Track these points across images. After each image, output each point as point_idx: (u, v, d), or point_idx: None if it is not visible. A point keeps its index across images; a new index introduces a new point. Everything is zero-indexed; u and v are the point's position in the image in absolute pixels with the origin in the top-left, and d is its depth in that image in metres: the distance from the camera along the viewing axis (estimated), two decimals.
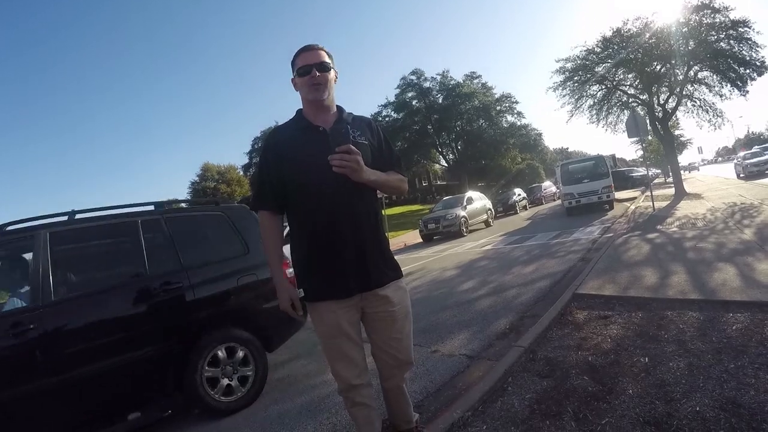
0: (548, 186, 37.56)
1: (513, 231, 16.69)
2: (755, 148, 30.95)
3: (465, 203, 20.29)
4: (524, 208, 30.61)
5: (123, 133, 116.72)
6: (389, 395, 2.47)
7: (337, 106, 2.28)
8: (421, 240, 20.49)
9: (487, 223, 21.48)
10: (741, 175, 24.94)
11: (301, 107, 2.27)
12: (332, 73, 2.20)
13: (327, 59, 2.17)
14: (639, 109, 20.23)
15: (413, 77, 52.32)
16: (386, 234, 2.25)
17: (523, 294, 6.28)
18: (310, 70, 2.12)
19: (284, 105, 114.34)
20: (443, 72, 52.41)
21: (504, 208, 29.12)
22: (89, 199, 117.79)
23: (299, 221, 2.18)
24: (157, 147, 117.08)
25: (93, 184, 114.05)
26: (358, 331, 2.23)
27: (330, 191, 2.06)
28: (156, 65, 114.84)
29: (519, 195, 31.02)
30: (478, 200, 21.64)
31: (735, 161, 30.21)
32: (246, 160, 62.88)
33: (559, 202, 30.83)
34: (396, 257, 2.37)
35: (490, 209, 22.35)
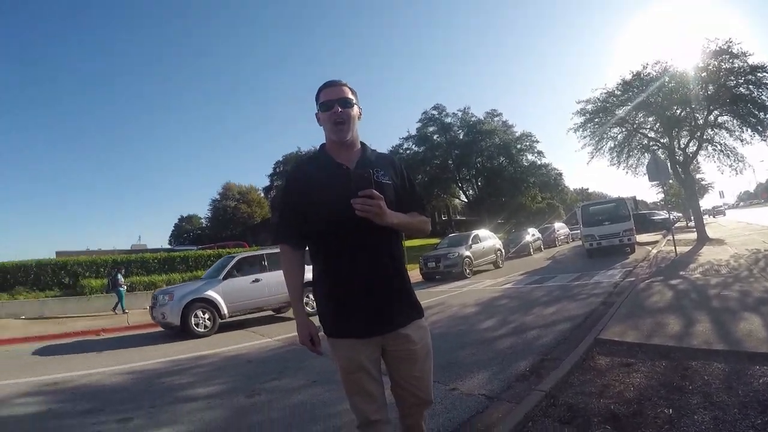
0: (561, 227, 36.15)
1: (533, 271, 16.60)
2: None
3: (471, 242, 18.96)
4: (539, 249, 28.56)
5: (146, 146, 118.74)
6: None
7: (361, 143, 2.27)
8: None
9: (495, 264, 20.07)
10: None
11: (325, 142, 2.27)
12: (355, 110, 2.20)
13: (350, 95, 2.18)
14: (660, 152, 20.24)
15: (435, 112, 53.08)
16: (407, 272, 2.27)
17: (543, 336, 6.25)
18: (332, 105, 2.13)
19: (307, 129, 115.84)
20: (464, 108, 53.14)
21: (516, 249, 27.03)
22: (125, 210, 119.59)
23: (321, 258, 2.16)
24: (179, 162, 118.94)
25: (119, 194, 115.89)
26: (378, 367, 2.19)
27: (352, 232, 2.04)
28: (180, 79, 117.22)
29: (533, 235, 29.18)
30: (486, 239, 20.38)
31: None
32: (267, 183, 63.83)
33: (572, 244, 30.37)
34: (415, 291, 2.35)
35: (499, 249, 20.89)
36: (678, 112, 19.66)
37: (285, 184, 2.32)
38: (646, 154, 21.42)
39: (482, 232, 21.15)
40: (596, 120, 21.76)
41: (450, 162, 52.36)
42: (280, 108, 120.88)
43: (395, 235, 2.21)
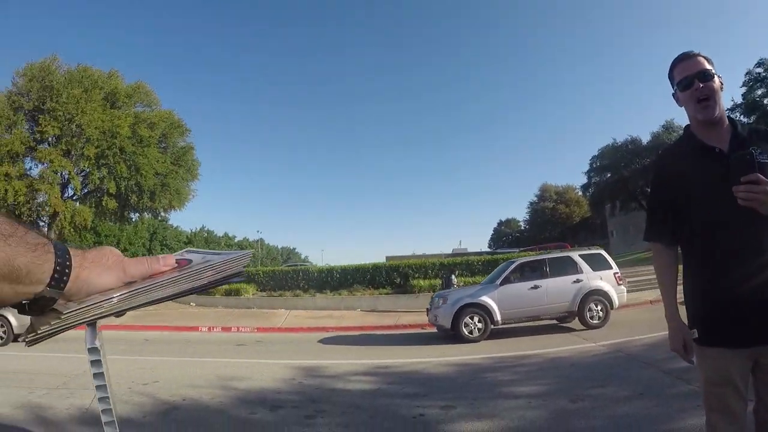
0: None
1: None
2: None
3: None
4: None
5: (465, 154, 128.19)
6: None
7: (729, 118, 2.01)
8: None
9: None
10: None
11: (689, 124, 2.09)
12: (717, 81, 1.94)
13: (708, 66, 1.95)
14: None
15: (760, 70, 41.99)
16: None
17: None
18: (692, 81, 1.92)
19: (624, 120, 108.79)
20: None
21: None
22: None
23: (695, 256, 2.00)
24: (496, 167, 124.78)
25: (442, 202, 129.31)
26: (746, 383, 1.91)
27: (732, 226, 1.83)
28: (496, 80, 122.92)
29: None
30: None
31: None
32: (584, 180, 62.30)
33: None
34: None
35: None
36: None
37: (653, 175, 2.20)
38: None
39: None
40: None
41: None
42: (593, 102, 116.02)
43: None
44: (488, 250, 55.08)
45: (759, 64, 42.75)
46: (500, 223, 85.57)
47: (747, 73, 43.45)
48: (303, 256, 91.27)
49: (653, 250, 2.15)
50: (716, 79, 1.94)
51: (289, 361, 8.41)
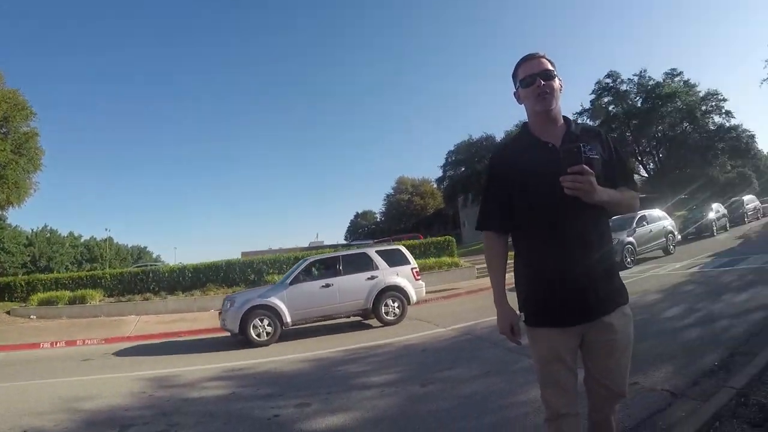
0: (751, 200, 31.21)
1: (722, 252, 15.13)
2: None
3: (635, 225, 16.61)
4: (723, 228, 24.40)
5: (322, 147, 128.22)
6: (596, 429, 2.31)
7: (564, 117, 2.17)
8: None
9: (666, 250, 17.65)
10: None
11: (526, 121, 2.22)
12: (557, 82, 2.10)
13: (550, 67, 2.09)
14: None
15: (608, 80, 49.09)
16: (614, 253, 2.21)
17: (734, 326, 5.86)
18: (534, 80, 2.05)
19: (479, 117, 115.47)
20: (640, 72, 48.28)
21: (696, 228, 23.31)
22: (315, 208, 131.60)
23: (526, 244, 2.13)
24: (354, 159, 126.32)
25: (298, 196, 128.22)
26: (575, 358, 2.11)
27: (560, 213, 1.98)
28: (357, 78, 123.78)
29: (717, 212, 24.75)
30: (656, 221, 17.96)
31: None
32: (440, 174, 65.31)
33: (763, 220, 26.52)
34: None
35: (671, 232, 18.29)
36: None
37: (488, 167, 2.29)
38: None
39: (652, 212, 18.63)
40: None
41: (628, 134, 48.50)
42: (450, 98, 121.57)
43: (604, 215, 2.12)
44: (344, 242, 55.94)
45: (608, 76, 49.26)
46: (357, 215, 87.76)
47: (597, 83, 49.82)
48: (155, 256, 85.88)
49: (485, 239, 2.27)
50: (557, 80, 2.09)
51: (139, 372, 7.89)
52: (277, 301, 10.04)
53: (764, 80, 20.11)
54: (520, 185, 2.06)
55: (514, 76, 2.17)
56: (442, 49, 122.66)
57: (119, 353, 10.55)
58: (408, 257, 11.71)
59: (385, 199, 74.44)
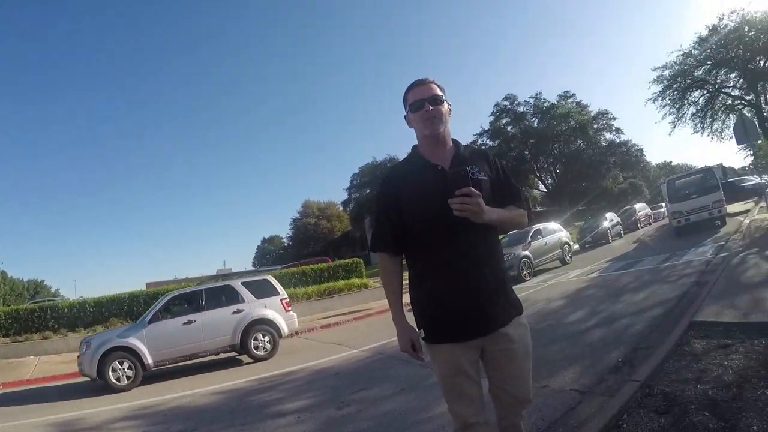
0: (642, 208, 33.04)
1: (619, 256, 16.04)
2: None
3: (530, 239, 17.25)
4: (618, 235, 25.77)
5: (226, 174, 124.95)
6: None
7: (453, 140, 2.23)
8: None
9: (562, 261, 18.43)
10: None
11: (416, 144, 2.24)
12: (446, 106, 2.16)
13: (439, 92, 2.15)
14: (746, 111, 19.01)
15: (506, 103, 52.31)
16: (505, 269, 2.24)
17: (635, 324, 6.09)
18: (423, 104, 2.09)
19: (383, 140, 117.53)
20: (536, 94, 52.09)
21: (593, 237, 24.50)
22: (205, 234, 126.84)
23: (419, 263, 2.15)
24: (258, 185, 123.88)
25: (203, 223, 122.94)
26: (478, 369, 2.15)
27: (450, 233, 2.01)
28: (266, 101, 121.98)
29: (611, 220, 26.36)
30: (552, 233, 18.75)
31: None
32: (345, 196, 65.25)
33: (655, 225, 28.69)
34: None
35: (567, 243, 19.16)
36: (762, 63, 18.46)
37: (379, 189, 2.32)
38: (731, 115, 20.34)
39: (548, 225, 19.57)
40: (675, 86, 20.84)
41: (526, 152, 51.42)
42: (354, 122, 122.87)
43: (493, 232, 2.17)
44: (252, 268, 54.63)
45: (506, 98, 52.13)
46: (264, 241, 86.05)
47: (495, 105, 52.56)
48: (53, 290, 78.08)
49: (379, 260, 2.27)
50: (446, 104, 2.16)
51: (41, 418, 7.07)
52: (136, 342, 9.22)
53: (648, 100, 21.63)
54: (410, 206, 2.09)
55: (405, 100, 2.21)
56: (345, 72, 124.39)
57: (18, 398, 9.51)
58: (277, 287, 11.11)
59: (291, 224, 73.16)
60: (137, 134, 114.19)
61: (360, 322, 14.13)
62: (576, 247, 19.46)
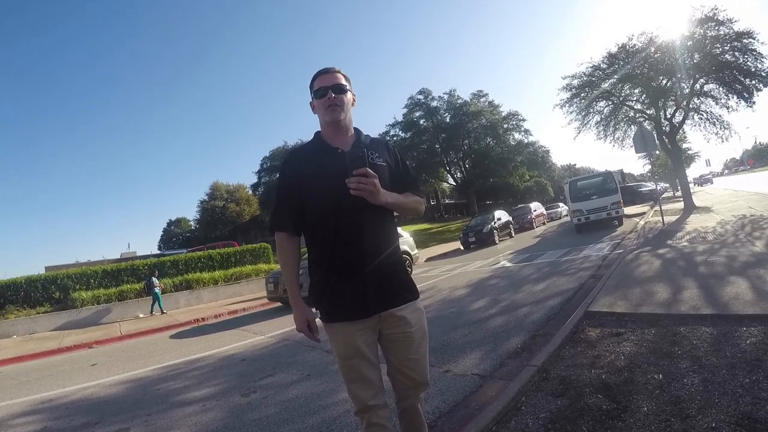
0: (537, 207, 33.38)
1: (522, 249, 16.69)
2: None
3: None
4: (508, 235, 25.28)
5: (130, 153, 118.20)
6: (404, 416, 2.41)
7: (354, 128, 2.32)
8: (428, 258, 22.23)
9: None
10: None
11: (320, 130, 2.30)
12: (349, 96, 2.24)
13: (343, 81, 2.22)
14: (646, 123, 20.33)
15: (420, 96, 52.84)
16: (412, 254, 2.22)
17: (534, 312, 6.27)
18: (326, 92, 2.16)
19: (295, 125, 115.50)
20: (450, 91, 52.92)
21: (477, 237, 23.36)
22: (106, 215, 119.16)
23: (317, 243, 2.18)
24: (165, 166, 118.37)
25: (106, 204, 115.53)
26: (375, 352, 2.20)
27: (348, 213, 2.06)
28: (167, 80, 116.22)
29: (498, 220, 24.87)
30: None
31: None
32: (255, 180, 63.47)
33: (549, 224, 30.35)
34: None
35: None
36: (664, 82, 19.77)
37: (280, 171, 2.33)
38: (632, 126, 21.60)
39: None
40: (582, 95, 21.87)
41: (437, 146, 52.22)
42: (266, 104, 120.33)
43: (390, 216, 2.23)
44: (158, 252, 52.18)
45: (421, 92, 52.60)
46: (170, 223, 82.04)
47: (410, 98, 52.89)
48: None
49: (277, 239, 2.28)
50: (349, 94, 2.25)
51: None
52: None
53: (556, 105, 22.53)
54: (310, 187, 2.14)
55: (311, 87, 2.26)
56: (263, 56, 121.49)
57: None
58: None
59: (199, 206, 70.07)
60: (36, 115, 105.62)
61: (267, 307, 13.76)
62: (417, 256, 15.89)
